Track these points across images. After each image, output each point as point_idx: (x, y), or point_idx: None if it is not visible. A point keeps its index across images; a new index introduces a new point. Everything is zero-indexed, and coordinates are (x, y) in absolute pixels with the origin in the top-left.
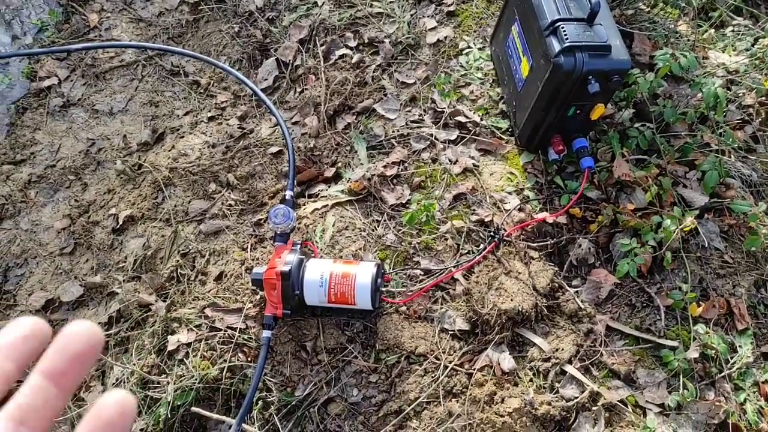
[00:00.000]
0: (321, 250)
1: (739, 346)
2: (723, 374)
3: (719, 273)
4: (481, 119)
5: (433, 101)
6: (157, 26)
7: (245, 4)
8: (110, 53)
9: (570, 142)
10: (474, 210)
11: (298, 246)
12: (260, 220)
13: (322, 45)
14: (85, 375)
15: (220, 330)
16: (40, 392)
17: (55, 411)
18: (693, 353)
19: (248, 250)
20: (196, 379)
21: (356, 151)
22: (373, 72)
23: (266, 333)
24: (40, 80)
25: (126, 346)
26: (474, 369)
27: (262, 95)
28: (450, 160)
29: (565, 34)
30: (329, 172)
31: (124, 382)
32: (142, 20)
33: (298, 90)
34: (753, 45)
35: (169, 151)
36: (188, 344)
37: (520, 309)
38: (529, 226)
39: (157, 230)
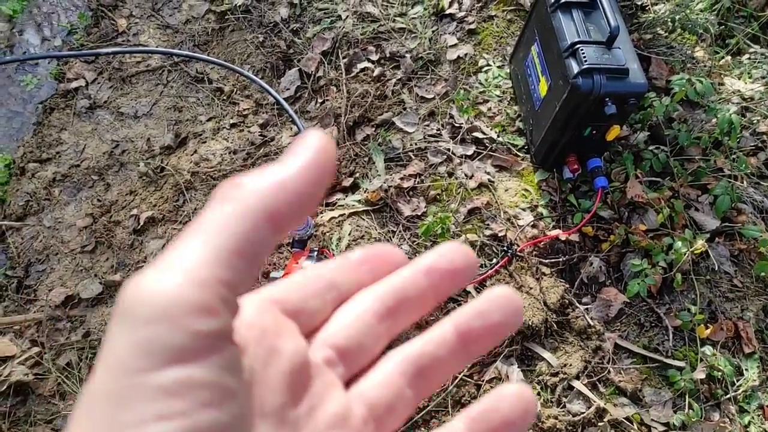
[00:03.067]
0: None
1: (746, 370)
2: (728, 396)
3: (728, 296)
4: (498, 136)
5: (451, 116)
6: (183, 33)
7: (270, 15)
8: (137, 58)
9: (585, 162)
10: (488, 225)
11: (315, 253)
12: None
13: (344, 57)
14: (492, 348)
15: None
16: (448, 347)
17: (452, 372)
18: (699, 374)
19: None
20: None
21: (374, 163)
22: (394, 86)
23: None
24: (68, 81)
25: None
26: (483, 380)
27: (285, 104)
28: (466, 175)
29: (584, 56)
30: (347, 182)
31: None
32: (169, 27)
33: (319, 101)
34: None
35: (191, 155)
36: None
37: (530, 323)
38: (542, 243)
39: (176, 232)
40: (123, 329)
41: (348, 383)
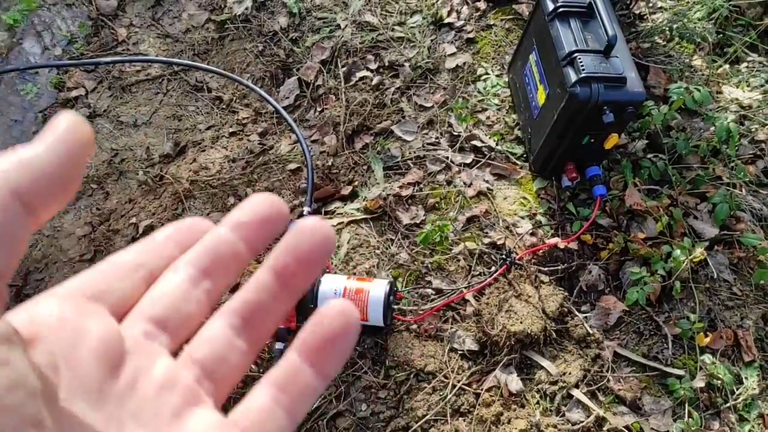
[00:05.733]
0: (335, 265)
1: (745, 378)
2: (728, 405)
3: (727, 304)
4: (497, 144)
5: (450, 125)
6: (183, 42)
7: (270, 24)
8: (137, 67)
9: (583, 170)
10: (487, 233)
11: None
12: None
13: (343, 66)
14: (314, 279)
15: None
16: (269, 291)
17: (282, 313)
18: (699, 383)
19: None
20: None
21: (373, 171)
22: (392, 94)
23: (279, 345)
24: (68, 90)
25: None
26: (482, 389)
27: (284, 113)
28: (464, 183)
29: (582, 65)
30: (346, 190)
31: None
32: (169, 36)
33: (318, 109)
34: (767, 81)
35: (191, 164)
36: None
37: (529, 332)
38: (541, 251)
39: None
40: None
41: (178, 351)
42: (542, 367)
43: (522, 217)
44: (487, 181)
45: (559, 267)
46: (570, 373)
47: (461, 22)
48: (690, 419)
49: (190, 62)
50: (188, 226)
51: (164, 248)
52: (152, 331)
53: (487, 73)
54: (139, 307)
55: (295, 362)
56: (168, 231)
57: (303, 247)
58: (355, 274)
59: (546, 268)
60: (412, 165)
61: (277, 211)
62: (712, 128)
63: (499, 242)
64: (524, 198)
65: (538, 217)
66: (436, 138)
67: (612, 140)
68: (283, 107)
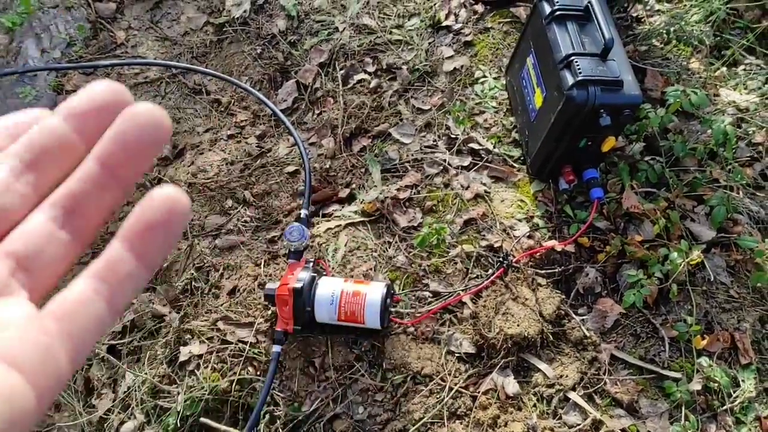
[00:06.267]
0: (333, 268)
1: (742, 381)
2: (725, 407)
3: (724, 307)
4: (494, 147)
5: (448, 128)
6: (181, 45)
7: (268, 27)
8: (135, 70)
9: (581, 173)
10: (484, 235)
11: (311, 264)
12: (274, 237)
13: (341, 69)
14: (147, 168)
15: (231, 343)
16: (94, 181)
17: (110, 205)
18: (696, 385)
19: (261, 266)
20: (206, 391)
21: (370, 174)
22: (390, 97)
23: (276, 348)
24: (66, 93)
25: (139, 356)
26: (478, 392)
27: (282, 116)
28: (462, 186)
29: (579, 68)
30: (343, 193)
31: (136, 391)
32: (167, 39)
33: (316, 112)
34: (765, 84)
35: (189, 166)
36: (199, 356)
37: (526, 334)
38: (538, 254)
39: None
40: None
41: None
42: (539, 370)
43: (519, 220)
44: (484, 184)
45: (556, 270)
46: (567, 376)
47: (459, 25)
48: (687, 422)
49: (188, 65)
50: (29, 119)
51: None
52: None
53: (484, 76)
54: None
55: (118, 251)
56: (3, 122)
57: (131, 134)
58: (352, 276)
59: (543, 271)
60: (409, 168)
61: (117, 99)
62: (710, 131)
63: (496, 245)
64: (521, 201)
65: (536, 220)
66: (434, 141)
67: (609, 143)
68: (281, 110)
